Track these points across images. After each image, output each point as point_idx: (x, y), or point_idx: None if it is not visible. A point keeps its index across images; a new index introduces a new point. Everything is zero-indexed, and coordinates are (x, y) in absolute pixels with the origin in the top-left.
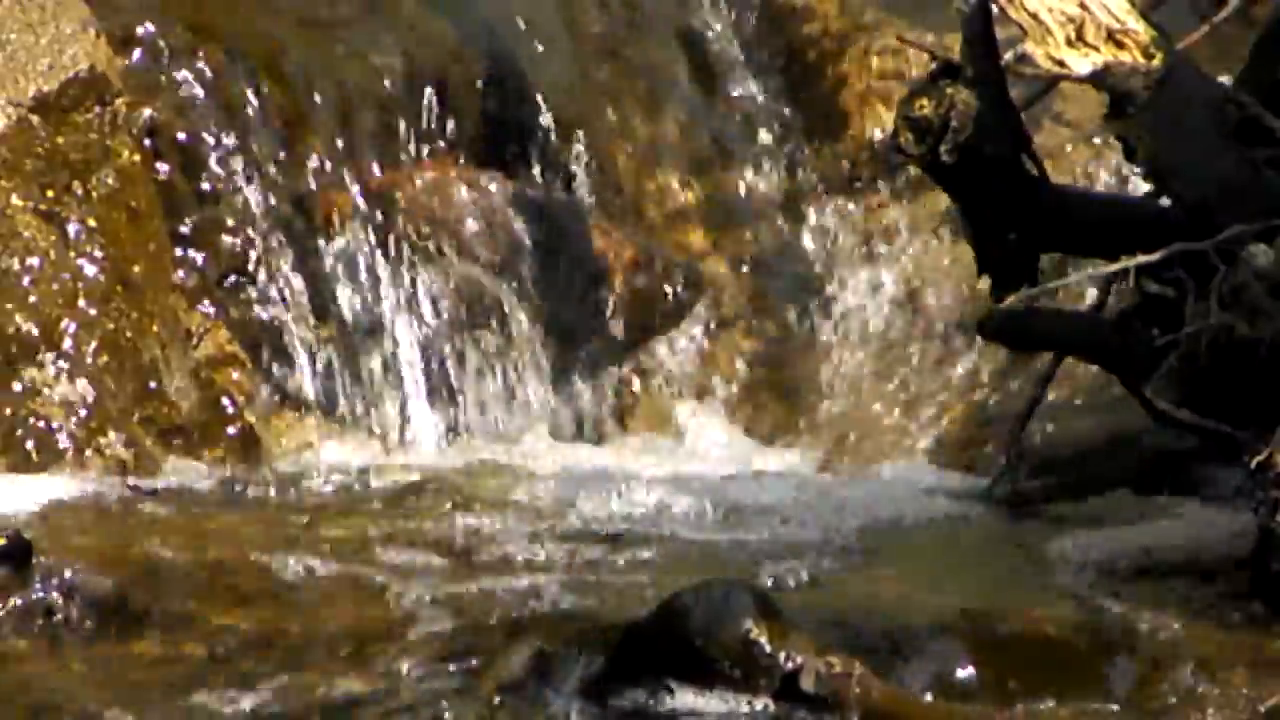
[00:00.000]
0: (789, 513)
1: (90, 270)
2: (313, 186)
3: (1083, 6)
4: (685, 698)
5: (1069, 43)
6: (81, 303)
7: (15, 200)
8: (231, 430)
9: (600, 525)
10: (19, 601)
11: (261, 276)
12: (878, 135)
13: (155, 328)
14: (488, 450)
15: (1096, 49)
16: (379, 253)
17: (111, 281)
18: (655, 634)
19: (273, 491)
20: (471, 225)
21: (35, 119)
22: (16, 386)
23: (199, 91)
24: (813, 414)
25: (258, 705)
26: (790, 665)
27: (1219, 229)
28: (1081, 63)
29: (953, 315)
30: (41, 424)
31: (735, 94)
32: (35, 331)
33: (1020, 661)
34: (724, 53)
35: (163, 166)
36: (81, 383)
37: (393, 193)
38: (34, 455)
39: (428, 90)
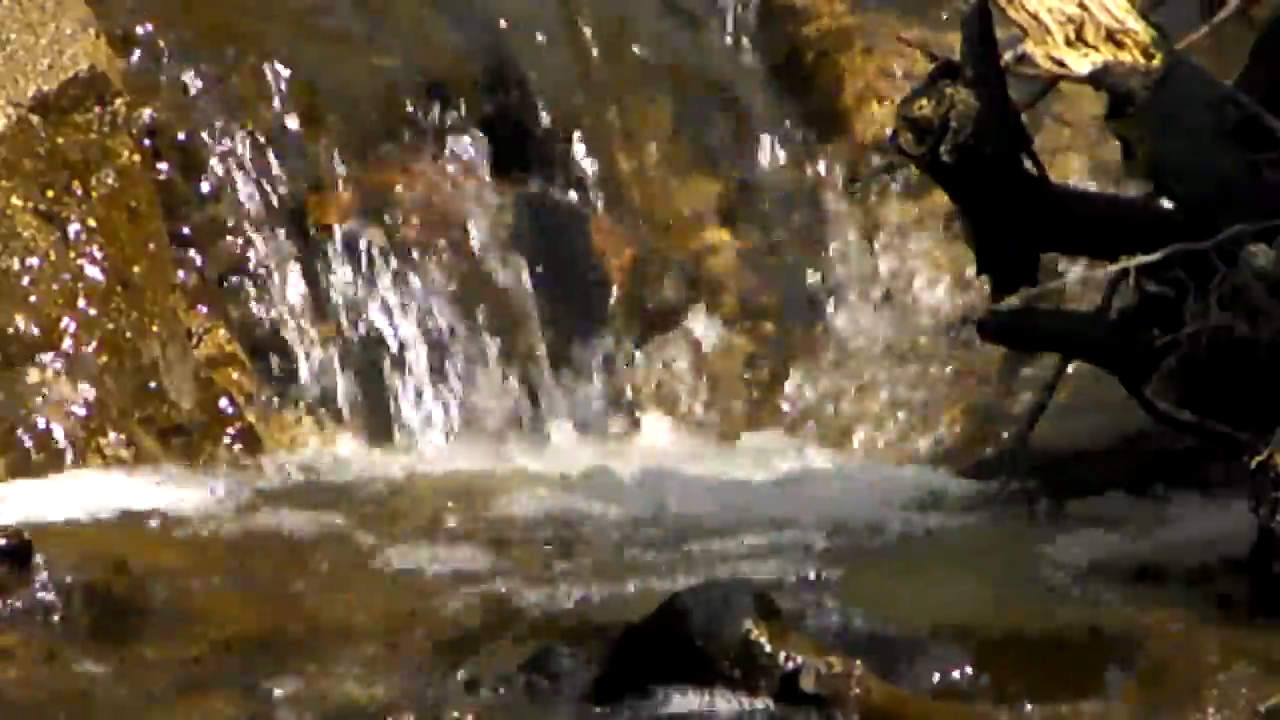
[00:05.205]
0: (789, 512)
1: (90, 270)
2: (313, 186)
3: (1082, 6)
4: (685, 698)
5: (1069, 43)
6: (81, 303)
7: (15, 200)
8: (231, 430)
9: (599, 525)
10: (19, 601)
11: (261, 276)
12: (877, 135)
13: (155, 328)
14: (487, 450)
15: (1096, 49)
16: (379, 253)
17: (111, 281)
18: (655, 634)
19: (271, 491)
20: (471, 225)
21: (35, 119)
22: (16, 386)
23: (199, 91)
24: (813, 414)
25: (257, 706)
26: (790, 665)
27: (1219, 229)
28: (1081, 63)
29: (952, 315)
30: (41, 424)
31: (735, 94)
32: (35, 331)
33: (1020, 661)
34: (724, 52)
35: (163, 166)
36: (81, 383)
37: (393, 192)
38: (34, 455)
39: (428, 90)
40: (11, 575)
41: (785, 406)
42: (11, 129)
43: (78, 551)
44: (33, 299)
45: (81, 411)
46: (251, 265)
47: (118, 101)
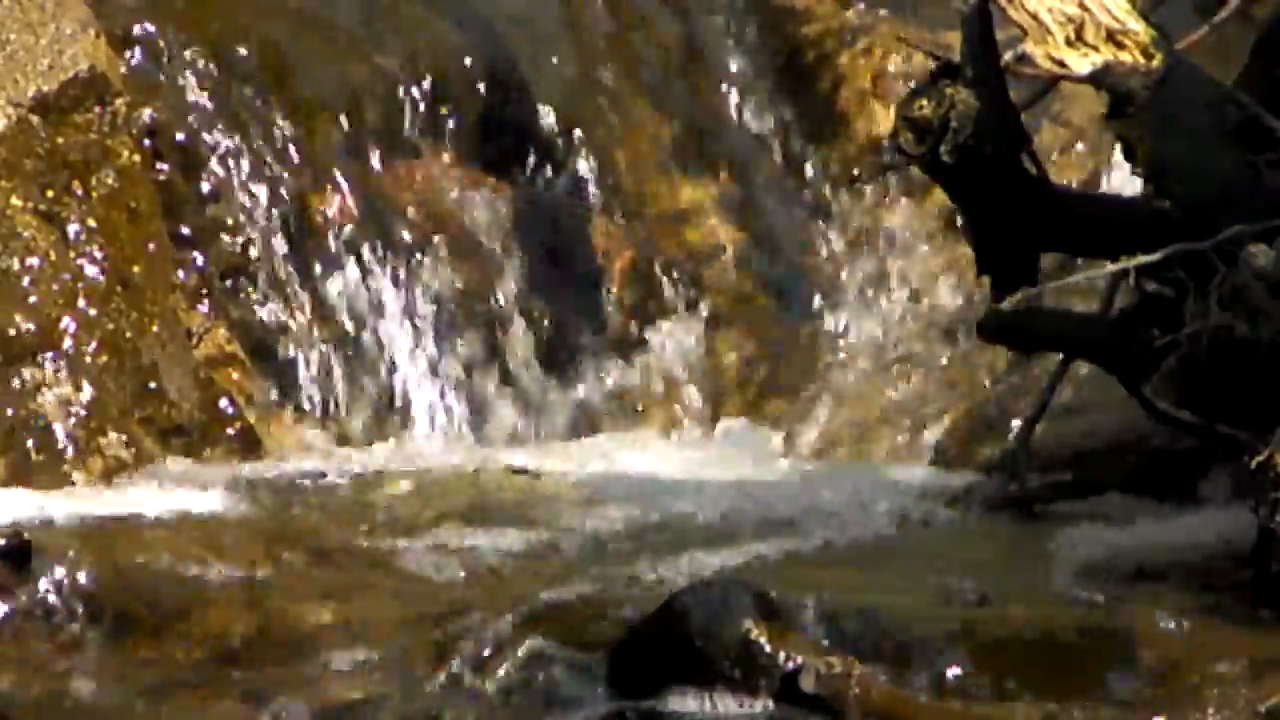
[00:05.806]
0: (788, 512)
1: (90, 270)
2: (313, 186)
3: (1082, 6)
4: (685, 698)
5: (1069, 43)
6: (81, 303)
7: (15, 200)
8: (231, 430)
9: (599, 525)
10: (19, 602)
11: (261, 276)
12: (877, 135)
13: (155, 328)
14: (487, 450)
15: (1096, 49)
16: (379, 253)
17: (111, 281)
18: (655, 634)
19: (272, 492)
20: (471, 225)
21: (35, 119)
22: (16, 386)
23: (199, 91)
24: (813, 414)
25: (256, 706)
26: (790, 665)
27: (1219, 229)
28: (1081, 63)
29: (953, 315)
30: (41, 424)
31: (735, 94)
32: (35, 331)
33: (1020, 661)
34: (724, 52)
35: (163, 166)
36: (81, 383)
37: (393, 192)
38: (34, 455)
39: (428, 90)
40: (11, 575)
41: (784, 407)
42: (11, 129)
43: (78, 552)
44: (33, 299)
45: (81, 411)
46: (251, 265)
47: (118, 101)
